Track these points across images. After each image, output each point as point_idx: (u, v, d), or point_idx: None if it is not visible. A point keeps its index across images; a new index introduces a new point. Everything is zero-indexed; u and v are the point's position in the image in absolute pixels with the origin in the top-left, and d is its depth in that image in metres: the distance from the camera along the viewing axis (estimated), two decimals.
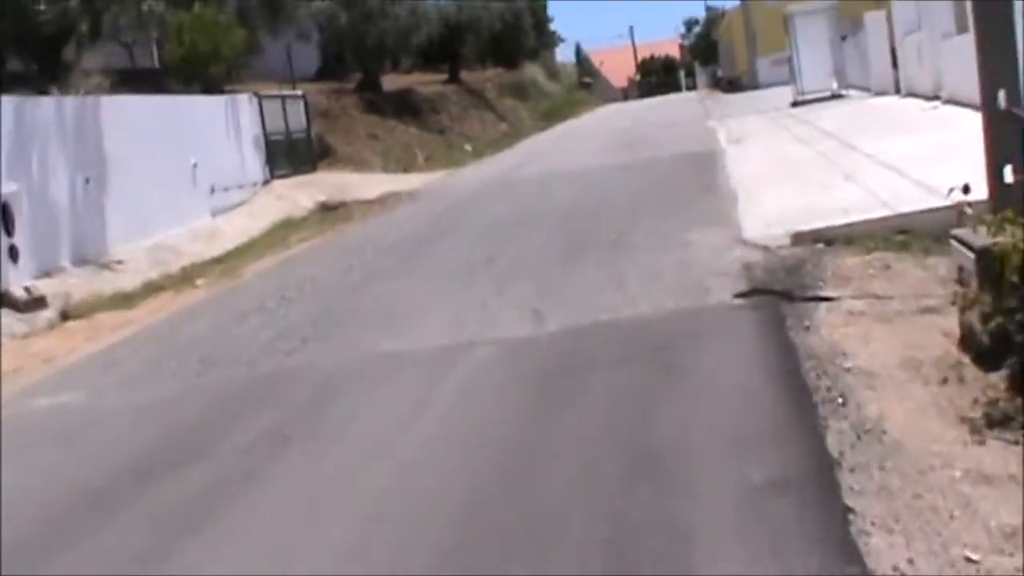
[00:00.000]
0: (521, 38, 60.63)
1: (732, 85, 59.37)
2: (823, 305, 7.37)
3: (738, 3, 56.82)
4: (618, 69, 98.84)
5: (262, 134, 23.69)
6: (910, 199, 10.12)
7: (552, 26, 74.75)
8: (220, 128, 21.83)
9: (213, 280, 15.43)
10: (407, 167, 28.23)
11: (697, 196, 13.20)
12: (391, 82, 40.38)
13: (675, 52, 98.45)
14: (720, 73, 74.01)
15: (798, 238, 9.59)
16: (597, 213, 13.20)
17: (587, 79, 75.43)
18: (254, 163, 23.18)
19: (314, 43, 39.19)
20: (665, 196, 13.80)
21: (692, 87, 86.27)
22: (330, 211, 21.71)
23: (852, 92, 30.65)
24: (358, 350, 8.18)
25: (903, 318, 6.85)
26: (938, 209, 9.51)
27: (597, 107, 58.94)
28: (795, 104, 30.90)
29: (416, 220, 16.71)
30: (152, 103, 19.98)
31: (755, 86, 51.96)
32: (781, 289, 7.96)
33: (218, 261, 17.28)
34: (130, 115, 18.61)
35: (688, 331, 7.10)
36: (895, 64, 27.42)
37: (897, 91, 26.07)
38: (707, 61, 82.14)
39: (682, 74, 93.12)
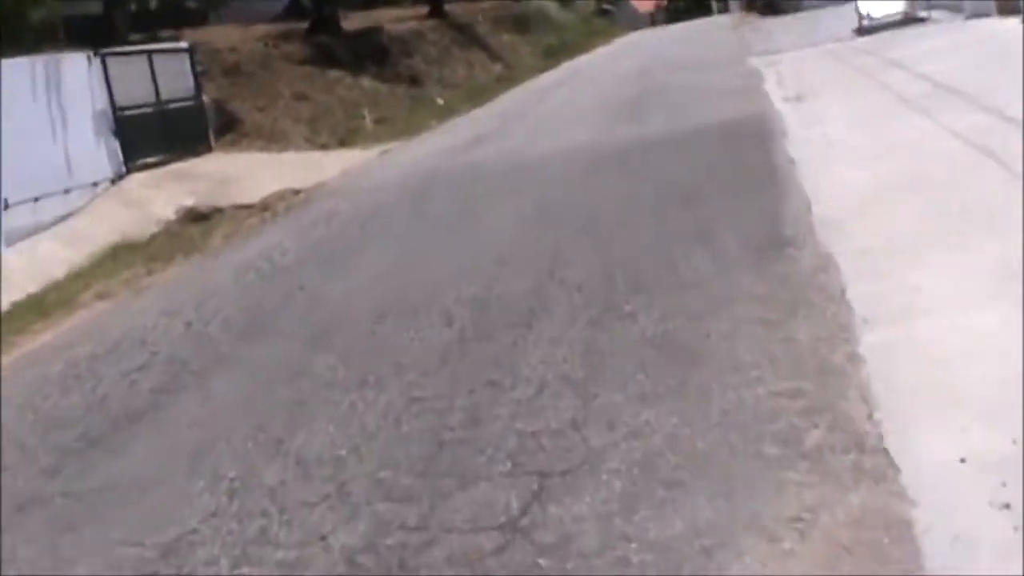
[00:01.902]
0: None
1: (769, 7, 51.23)
2: None
3: None
4: None
5: (110, 109, 16.47)
6: None
7: None
8: (26, 106, 14.67)
9: None
10: (346, 137, 20.95)
11: (746, 289, 5.80)
12: (360, 20, 33.05)
13: None
14: None
15: None
16: (524, 322, 5.95)
17: (607, 6, 67.31)
18: (95, 154, 15.98)
19: None
20: (676, 273, 6.44)
21: (724, 10, 78.06)
22: (197, 222, 14.64)
23: (934, 14, 23.11)
24: None
25: None
26: None
27: (616, 38, 51.06)
28: (861, 31, 23.42)
29: (243, 282, 9.49)
30: None
31: (797, 8, 43.97)
32: None
33: None
34: None
35: None
36: None
37: (1010, 12, 18.69)
38: None
39: None
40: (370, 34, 31.06)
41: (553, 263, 7.31)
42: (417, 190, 12.65)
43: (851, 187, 7.60)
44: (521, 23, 42.80)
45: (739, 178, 8.97)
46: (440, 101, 25.67)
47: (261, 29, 28.10)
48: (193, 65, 19.12)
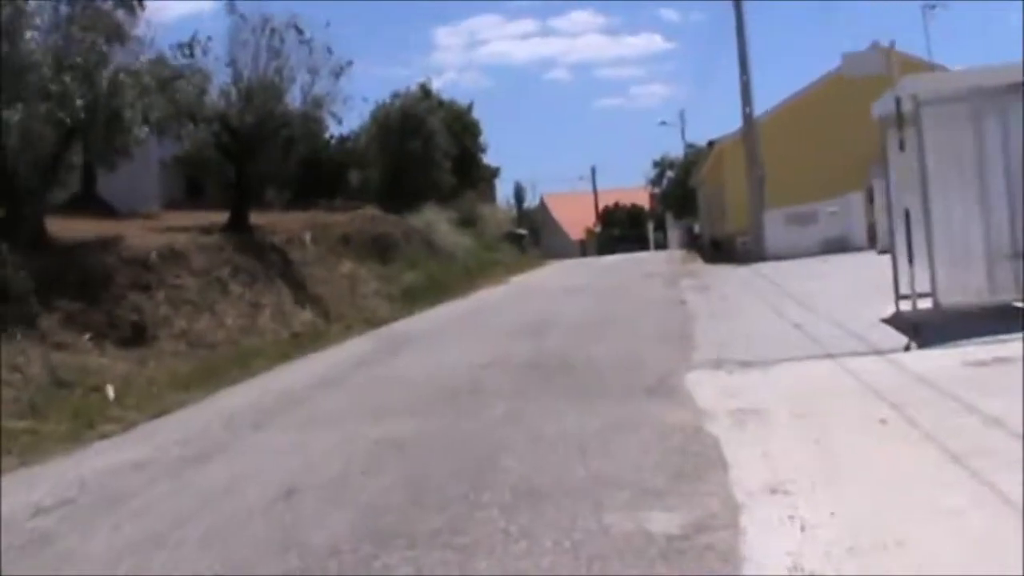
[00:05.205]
0: (432, 172, 43.51)
1: (719, 249, 40.65)
2: None
3: (733, 131, 38.32)
4: (578, 217, 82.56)
5: None
6: None
7: (489, 158, 56.36)
8: None
9: None
10: None
11: None
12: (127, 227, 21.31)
13: (644, 200, 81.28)
14: (698, 229, 55.93)
15: None
16: None
17: (519, 230, 56.52)
18: None
19: None
20: None
21: (662, 244, 68.46)
22: None
23: None
24: None
25: None
26: None
27: (519, 273, 39.64)
28: (914, 331, 11.80)
29: None
30: None
31: (760, 255, 32.89)
32: None
33: None
34: None
35: None
36: None
37: None
38: (681, 213, 64.68)
39: (651, 227, 75.94)
40: (89, 252, 19.00)
41: None
42: None
43: None
44: (384, 246, 31.15)
45: None
46: (111, 393, 13.33)
47: None
48: None
